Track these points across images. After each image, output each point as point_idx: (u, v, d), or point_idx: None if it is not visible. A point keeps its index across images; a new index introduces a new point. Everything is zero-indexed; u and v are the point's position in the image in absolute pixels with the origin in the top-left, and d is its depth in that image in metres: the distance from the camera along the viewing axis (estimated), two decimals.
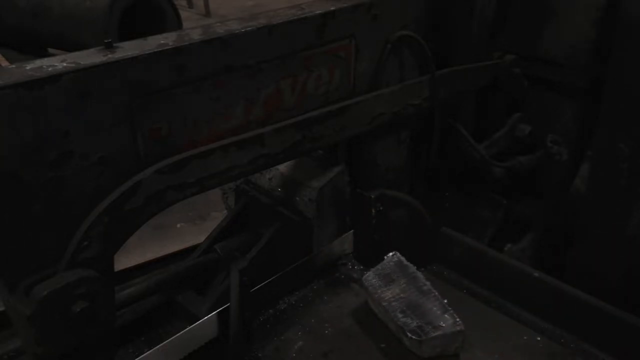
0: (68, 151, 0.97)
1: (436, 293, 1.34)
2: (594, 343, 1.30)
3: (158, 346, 1.20)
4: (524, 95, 1.83)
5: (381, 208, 1.53)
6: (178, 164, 1.11)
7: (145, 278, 1.65)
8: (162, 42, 1.08)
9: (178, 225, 2.64)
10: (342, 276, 1.56)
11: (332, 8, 1.29)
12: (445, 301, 1.32)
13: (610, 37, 1.60)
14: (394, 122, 1.52)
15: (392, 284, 1.34)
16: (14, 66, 0.97)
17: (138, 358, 1.18)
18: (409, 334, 1.24)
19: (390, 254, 1.41)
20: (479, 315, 1.39)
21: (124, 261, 1.95)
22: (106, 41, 1.04)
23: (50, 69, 0.95)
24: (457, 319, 1.26)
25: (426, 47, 1.50)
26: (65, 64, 0.96)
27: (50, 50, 4.53)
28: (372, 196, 1.52)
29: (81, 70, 0.96)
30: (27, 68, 0.95)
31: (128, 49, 1.04)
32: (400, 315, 1.29)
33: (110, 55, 1.01)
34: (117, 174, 1.05)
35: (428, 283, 1.36)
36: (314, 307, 1.45)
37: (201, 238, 1.63)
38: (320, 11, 1.27)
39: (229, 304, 1.28)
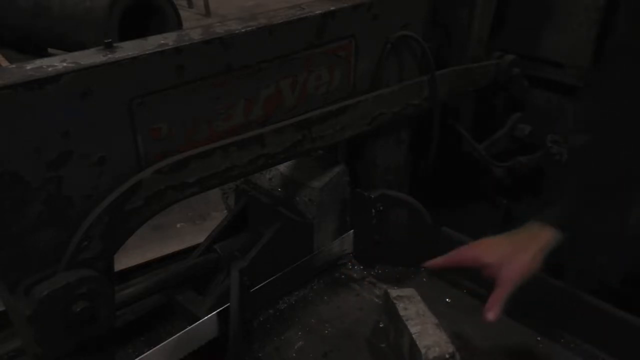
0: (68, 151, 0.97)
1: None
2: (594, 343, 1.30)
3: (158, 346, 1.21)
4: (524, 95, 1.83)
5: (381, 208, 1.53)
6: (178, 164, 1.11)
7: (145, 278, 1.65)
8: (162, 42, 1.08)
9: (178, 225, 2.64)
10: (342, 276, 1.56)
11: (332, 8, 1.29)
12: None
13: (610, 37, 1.60)
14: (394, 122, 1.52)
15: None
16: (14, 66, 0.96)
17: (138, 358, 1.18)
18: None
19: None
20: (479, 315, 1.39)
21: (124, 261, 1.95)
22: (106, 41, 1.04)
23: (50, 69, 0.94)
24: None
25: (426, 47, 1.50)
26: (65, 64, 0.96)
27: (50, 50, 4.53)
28: (372, 196, 1.52)
29: (81, 70, 0.96)
30: (27, 68, 0.95)
31: (128, 49, 1.04)
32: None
33: (110, 55, 1.01)
34: (117, 174, 1.05)
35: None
36: (314, 307, 1.45)
37: (201, 238, 1.63)
38: (320, 11, 1.27)
39: (229, 304, 1.28)
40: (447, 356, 1.19)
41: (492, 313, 1.17)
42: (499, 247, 1.24)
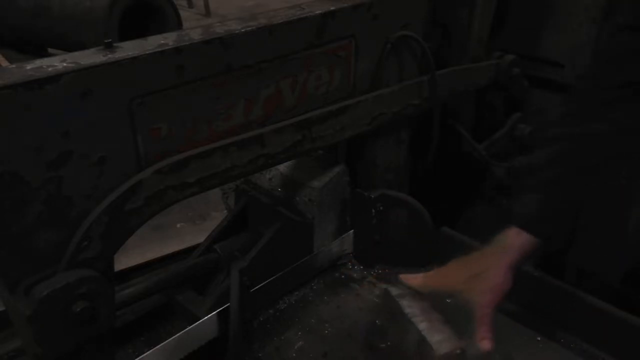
0: (68, 151, 0.98)
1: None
2: (594, 343, 1.29)
3: (158, 346, 1.20)
4: (524, 95, 1.83)
5: (381, 208, 1.53)
6: (178, 164, 1.11)
7: (145, 278, 1.65)
8: (162, 42, 1.08)
9: (178, 225, 2.64)
10: (342, 276, 1.56)
11: (332, 8, 1.29)
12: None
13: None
14: (394, 122, 1.52)
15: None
16: (14, 66, 0.97)
17: (138, 358, 1.18)
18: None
19: None
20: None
21: (124, 261, 1.95)
22: (106, 41, 1.04)
23: (50, 69, 0.94)
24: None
25: (426, 47, 1.50)
26: (65, 64, 0.96)
27: (50, 50, 4.53)
28: (372, 196, 1.52)
29: (81, 70, 0.96)
30: (27, 68, 0.95)
31: (128, 49, 1.04)
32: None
33: (110, 55, 1.01)
34: (117, 174, 1.05)
35: None
36: (314, 307, 1.45)
37: (201, 238, 1.63)
38: (320, 11, 1.27)
39: (229, 304, 1.28)
40: (458, 351, 1.18)
41: (487, 342, 1.16)
42: (466, 271, 1.20)
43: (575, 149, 1.16)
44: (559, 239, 1.20)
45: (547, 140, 1.21)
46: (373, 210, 1.53)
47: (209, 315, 1.29)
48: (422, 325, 1.22)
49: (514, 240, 1.16)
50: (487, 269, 1.17)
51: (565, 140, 1.18)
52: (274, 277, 1.43)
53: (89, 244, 1.02)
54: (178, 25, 4.23)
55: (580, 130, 1.15)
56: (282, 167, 1.58)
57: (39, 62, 0.97)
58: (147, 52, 1.03)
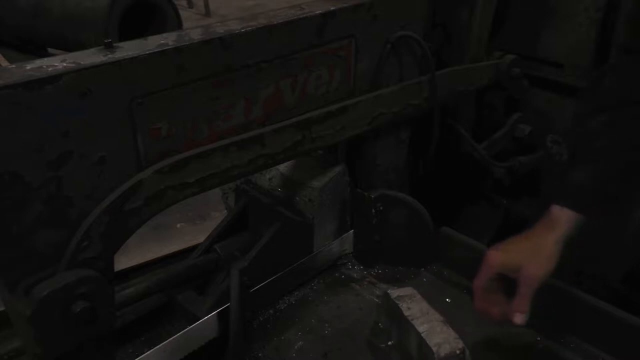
0: (68, 151, 0.98)
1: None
2: (594, 343, 1.29)
3: (158, 346, 1.21)
4: (524, 95, 1.83)
5: (381, 208, 1.53)
6: (178, 164, 1.11)
7: (145, 278, 1.65)
8: (162, 42, 1.08)
9: (178, 225, 2.64)
10: (342, 276, 1.56)
11: (333, 8, 1.29)
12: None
13: (610, 37, 1.60)
14: (394, 122, 1.52)
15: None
16: (14, 66, 0.97)
17: (138, 358, 1.18)
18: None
19: None
20: (479, 315, 1.39)
21: (124, 261, 1.95)
22: (106, 41, 1.04)
23: (50, 69, 0.94)
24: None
25: (426, 47, 1.50)
26: (65, 64, 0.96)
27: (50, 50, 4.53)
28: (372, 196, 1.52)
29: (81, 70, 0.96)
30: (27, 68, 0.95)
31: (128, 49, 1.04)
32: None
33: (110, 55, 1.01)
34: (117, 174, 1.05)
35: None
36: (314, 307, 1.45)
37: (201, 238, 1.63)
38: (320, 11, 1.27)
39: (229, 304, 1.28)
40: (457, 352, 1.18)
41: (519, 316, 1.17)
42: (517, 246, 1.23)
43: (613, 121, 1.21)
44: (598, 210, 1.23)
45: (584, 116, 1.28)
46: (373, 210, 1.53)
47: (209, 315, 1.29)
48: (422, 328, 1.22)
49: (557, 216, 1.21)
50: (537, 243, 1.21)
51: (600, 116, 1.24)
52: (274, 277, 1.43)
53: (89, 244, 1.02)
54: (178, 25, 4.24)
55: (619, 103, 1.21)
56: (282, 167, 1.58)
57: (39, 62, 0.97)
58: (147, 52, 1.03)
